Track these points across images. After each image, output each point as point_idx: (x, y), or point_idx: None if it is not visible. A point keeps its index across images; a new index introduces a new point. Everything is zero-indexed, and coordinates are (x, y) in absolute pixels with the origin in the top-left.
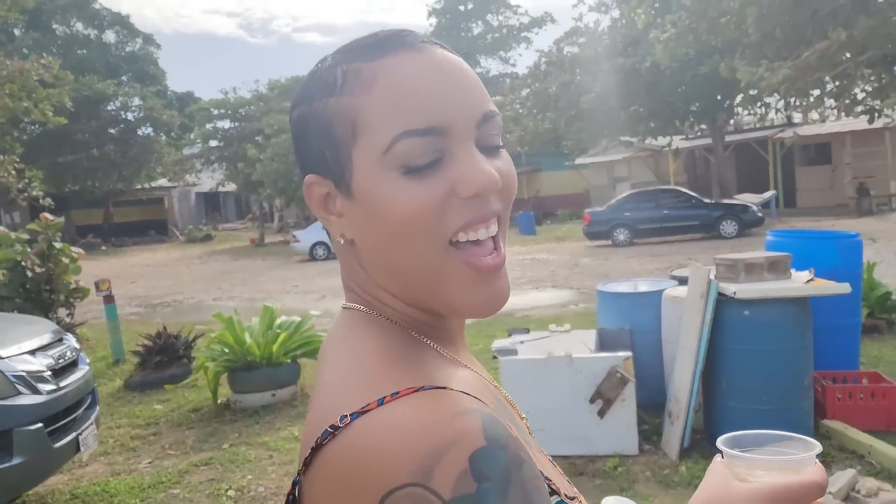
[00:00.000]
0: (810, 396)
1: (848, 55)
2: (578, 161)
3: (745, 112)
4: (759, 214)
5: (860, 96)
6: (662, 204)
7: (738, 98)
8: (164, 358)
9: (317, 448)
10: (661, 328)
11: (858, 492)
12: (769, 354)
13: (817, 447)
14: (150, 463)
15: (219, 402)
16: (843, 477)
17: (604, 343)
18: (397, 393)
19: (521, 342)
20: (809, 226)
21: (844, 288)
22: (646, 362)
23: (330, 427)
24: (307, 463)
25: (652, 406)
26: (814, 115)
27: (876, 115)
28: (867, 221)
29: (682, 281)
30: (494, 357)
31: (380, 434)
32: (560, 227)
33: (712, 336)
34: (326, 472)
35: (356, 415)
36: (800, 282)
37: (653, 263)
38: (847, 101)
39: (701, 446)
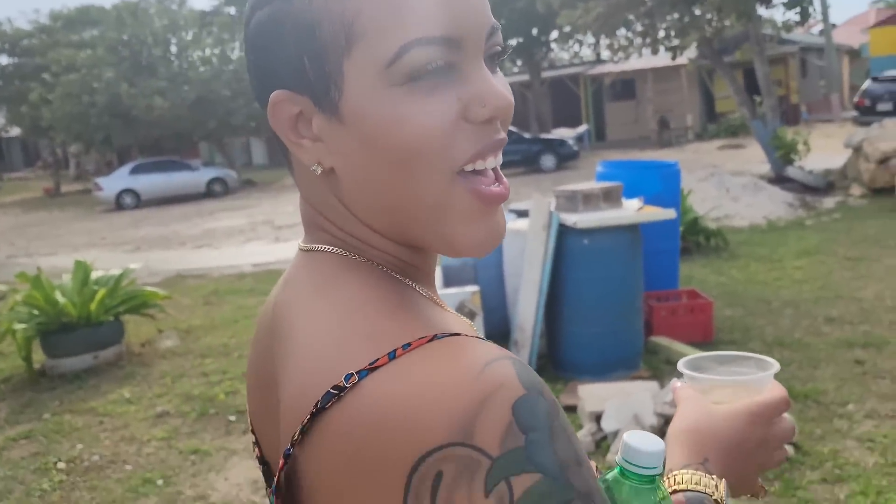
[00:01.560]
0: (641, 316)
1: None
2: None
3: (561, 49)
4: (575, 148)
5: (662, 35)
6: None
7: (554, 34)
8: None
9: (316, 413)
10: (503, 261)
11: None
12: (607, 280)
13: (775, 366)
14: None
15: (33, 369)
16: (670, 388)
17: (448, 279)
18: (409, 344)
19: None
20: (618, 157)
21: (670, 213)
22: (489, 295)
23: (333, 388)
24: (304, 432)
25: (497, 336)
26: (619, 53)
27: (678, 52)
28: (668, 152)
29: (521, 214)
30: None
31: (404, 390)
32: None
33: (554, 266)
34: (337, 440)
35: (364, 372)
36: (632, 210)
37: None
38: (652, 40)
39: (547, 370)
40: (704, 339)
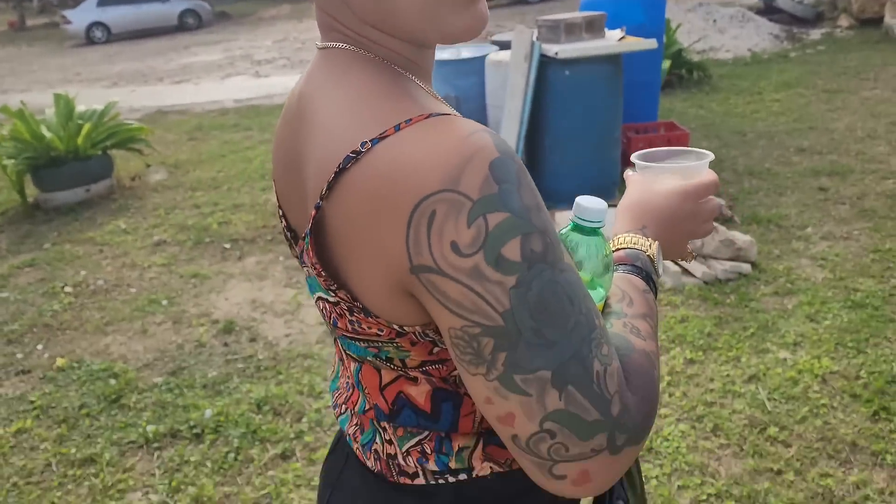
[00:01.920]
0: (619, 147)
1: None
2: None
3: None
4: None
5: None
6: None
7: None
8: None
9: (339, 173)
10: (486, 92)
11: None
12: (586, 111)
13: (710, 156)
14: None
15: (27, 202)
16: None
17: None
18: (410, 120)
19: None
20: None
21: (651, 43)
22: None
23: (351, 153)
24: (330, 188)
25: None
26: None
27: None
28: None
29: (503, 45)
30: None
31: (407, 151)
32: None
33: (535, 97)
34: (356, 190)
35: (376, 140)
36: (613, 40)
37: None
38: None
39: None
40: None
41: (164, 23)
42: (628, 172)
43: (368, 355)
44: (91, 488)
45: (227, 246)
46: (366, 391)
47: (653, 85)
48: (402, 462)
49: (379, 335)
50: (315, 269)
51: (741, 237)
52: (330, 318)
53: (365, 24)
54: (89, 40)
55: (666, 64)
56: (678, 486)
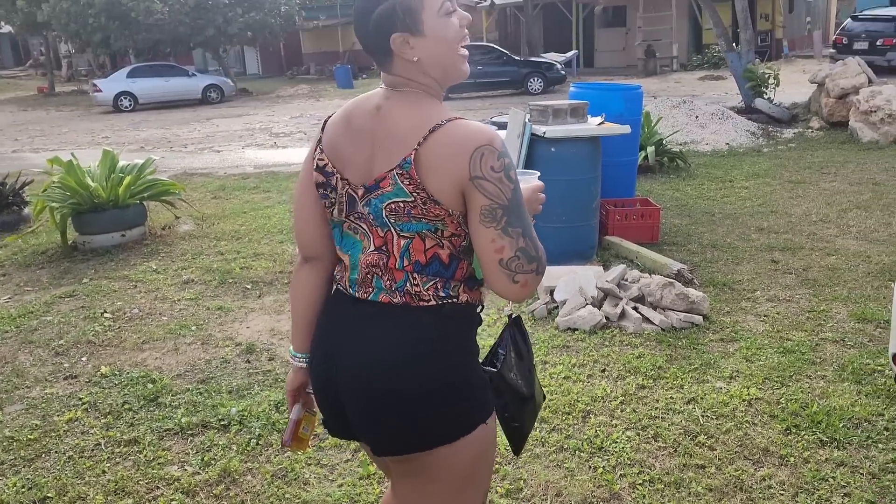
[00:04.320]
0: (597, 217)
1: None
2: None
3: None
4: (563, 72)
5: None
6: (476, 60)
7: None
8: None
9: (428, 134)
10: None
11: (627, 280)
12: (569, 183)
13: (536, 173)
14: (9, 299)
15: (67, 243)
16: (616, 270)
17: None
18: (457, 118)
19: None
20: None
21: (625, 129)
22: None
23: (434, 126)
24: (421, 143)
25: None
26: None
27: None
28: (652, 80)
29: (501, 126)
30: None
31: (463, 126)
32: (376, 81)
33: (525, 169)
34: (441, 142)
35: (445, 121)
36: (594, 124)
37: (469, 116)
38: None
39: None
40: (651, 241)
41: (189, 96)
42: None
43: (425, 228)
44: (136, 461)
45: (248, 286)
46: (412, 254)
47: (630, 166)
48: (422, 293)
49: (438, 215)
50: (411, 180)
51: (695, 293)
52: (403, 212)
53: (427, 76)
54: (116, 108)
55: (646, 151)
56: (620, 474)
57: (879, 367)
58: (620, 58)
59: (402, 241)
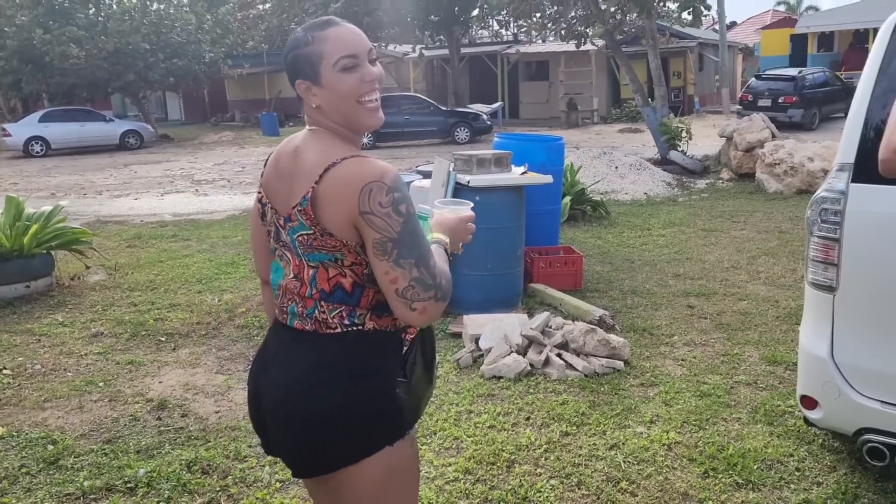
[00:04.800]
0: (522, 264)
1: None
2: None
3: (479, 27)
4: (489, 123)
5: (572, 22)
6: (404, 109)
7: (474, 13)
8: None
9: (324, 172)
10: None
11: (551, 326)
12: (493, 231)
13: (469, 204)
14: None
15: None
16: (541, 317)
17: None
18: (355, 155)
19: None
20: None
21: (547, 179)
22: None
23: (332, 163)
24: (318, 181)
25: None
26: (536, 35)
27: (583, 39)
28: (574, 132)
29: (426, 175)
30: None
31: (357, 163)
32: (302, 128)
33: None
34: (335, 176)
35: (341, 159)
36: (517, 174)
37: (395, 165)
38: (563, 26)
39: None
40: (574, 288)
41: (106, 141)
42: (434, 211)
43: (326, 258)
44: None
45: (163, 339)
46: (318, 282)
47: (553, 215)
48: (329, 321)
49: (335, 246)
50: (307, 216)
51: (616, 339)
52: (307, 243)
53: (330, 120)
54: (27, 153)
55: (567, 200)
56: None
57: (789, 409)
58: (544, 110)
59: (311, 271)
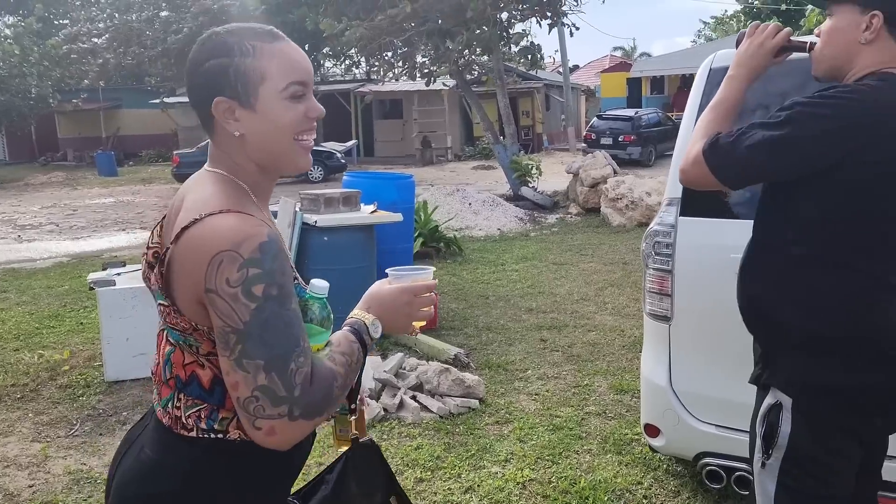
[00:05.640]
0: None
1: (413, 24)
2: (169, 100)
3: (332, 65)
4: (343, 161)
5: (421, 61)
6: None
7: (325, 50)
8: None
9: (182, 231)
10: None
11: (405, 368)
12: (344, 272)
13: (430, 269)
14: None
15: None
16: (394, 359)
17: None
18: (228, 210)
19: (118, 274)
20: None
21: (397, 217)
22: None
23: (192, 220)
24: (176, 239)
25: None
26: (388, 73)
27: (433, 78)
28: (429, 170)
29: (274, 214)
30: (91, 288)
31: (216, 224)
32: (145, 168)
33: (298, 259)
34: (188, 240)
35: (206, 215)
36: (366, 213)
37: None
38: (411, 65)
39: None
40: (430, 327)
41: None
42: (390, 274)
43: (180, 340)
44: None
45: None
46: (173, 366)
47: (406, 253)
48: (183, 419)
49: (185, 328)
50: (158, 284)
51: (471, 377)
52: (163, 315)
53: (246, 157)
54: None
55: (421, 239)
56: None
57: (636, 437)
58: (399, 147)
59: (168, 348)
